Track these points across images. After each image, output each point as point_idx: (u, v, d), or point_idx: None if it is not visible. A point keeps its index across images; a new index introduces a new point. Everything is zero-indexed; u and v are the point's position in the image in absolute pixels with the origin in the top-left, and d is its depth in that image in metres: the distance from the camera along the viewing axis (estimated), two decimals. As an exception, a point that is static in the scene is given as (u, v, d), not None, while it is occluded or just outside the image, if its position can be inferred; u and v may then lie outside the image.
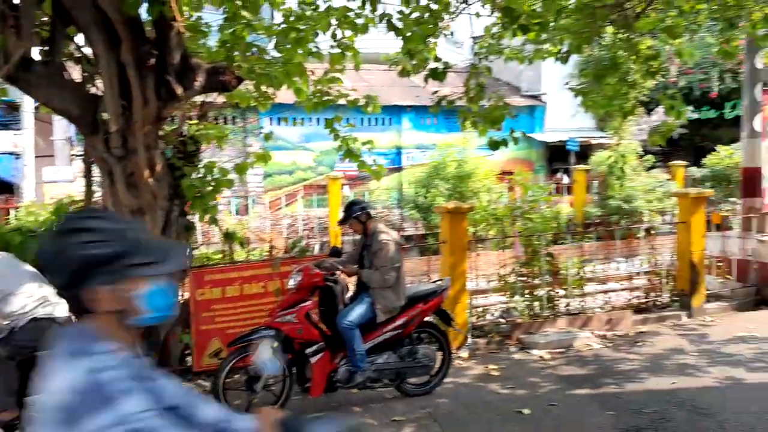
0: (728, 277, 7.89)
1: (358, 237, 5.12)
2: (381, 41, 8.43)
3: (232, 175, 5.70)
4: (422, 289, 5.09)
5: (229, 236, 5.93)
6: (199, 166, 5.56)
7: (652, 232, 8.04)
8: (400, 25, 5.53)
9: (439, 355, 5.09)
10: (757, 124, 7.83)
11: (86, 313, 1.39)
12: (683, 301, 7.40)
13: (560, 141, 19.32)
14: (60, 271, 1.36)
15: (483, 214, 8.29)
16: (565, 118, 18.84)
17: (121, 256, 1.36)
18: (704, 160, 16.26)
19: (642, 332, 6.76)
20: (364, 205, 4.98)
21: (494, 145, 5.37)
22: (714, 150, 15.98)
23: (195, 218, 5.59)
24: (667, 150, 22.35)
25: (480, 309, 6.90)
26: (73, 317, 1.63)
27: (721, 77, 21.08)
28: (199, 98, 5.81)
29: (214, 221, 5.47)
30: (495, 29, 6.72)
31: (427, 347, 4.98)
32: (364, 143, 6.38)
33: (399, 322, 4.80)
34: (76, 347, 1.33)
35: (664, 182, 14.85)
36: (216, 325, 5.40)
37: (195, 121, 5.87)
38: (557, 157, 20.31)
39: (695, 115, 21.65)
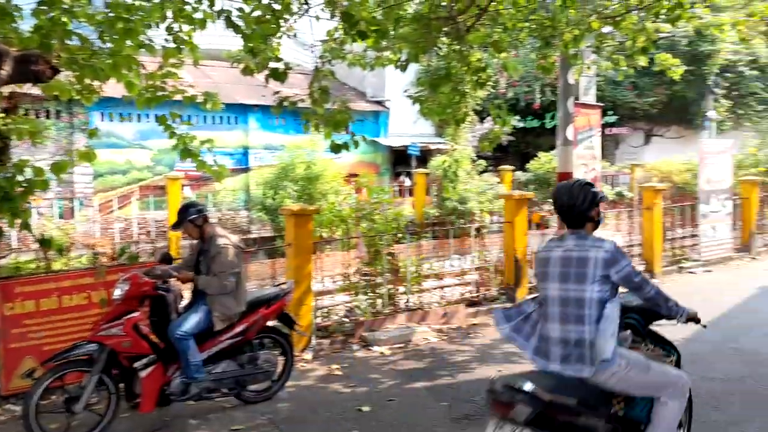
0: (547, 270, 8.76)
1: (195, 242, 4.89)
2: (226, 37, 8.15)
3: (50, 175, 5.13)
4: (264, 294, 4.99)
5: (44, 242, 5.34)
6: (8, 164, 4.94)
7: (483, 231, 8.68)
8: (240, 22, 5.37)
9: (281, 360, 5.03)
10: (570, 133, 8.79)
11: (585, 224, 3.02)
12: (509, 294, 8.09)
13: (403, 146, 20.15)
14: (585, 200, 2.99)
15: (329, 215, 8.36)
16: (408, 124, 19.70)
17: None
18: (528, 165, 17.91)
19: (474, 324, 7.26)
20: (200, 207, 4.76)
21: (336, 149, 5.45)
22: (536, 156, 17.66)
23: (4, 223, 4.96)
24: (498, 155, 24.32)
25: (325, 310, 6.95)
26: None
27: (542, 90, 23.43)
28: (6, 89, 5.16)
29: (26, 226, 4.89)
30: (338, 34, 6.82)
31: (268, 353, 4.89)
32: (203, 142, 6.10)
33: (239, 329, 4.66)
34: (592, 238, 2.98)
35: (494, 185, 16.14)
36: (29, 342, 4.84)
37: (1, 115, 5.20)
38: (401, 161, 21.16)
39: (521, 124, 23.78)
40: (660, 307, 3.11)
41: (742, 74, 25.15)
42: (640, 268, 9.84)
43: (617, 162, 23.77)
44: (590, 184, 3.10)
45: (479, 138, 15.92)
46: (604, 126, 24.55)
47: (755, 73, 25.51)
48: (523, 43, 7.38)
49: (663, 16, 6.18)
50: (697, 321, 3.22)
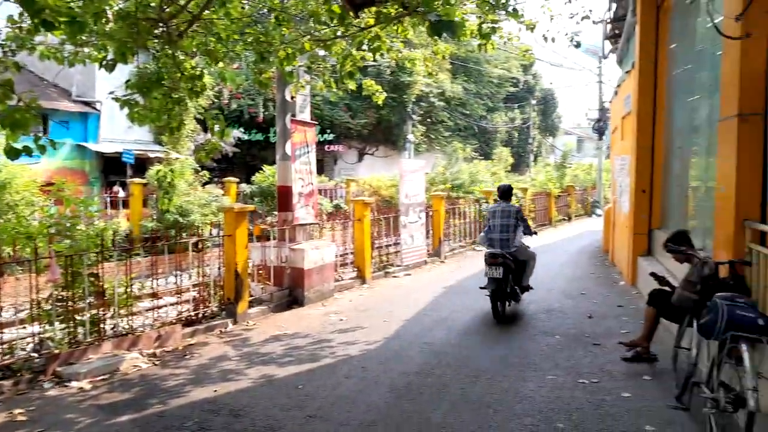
0: (267, 282, 8.85)
1: None
2: None
3: None
4: None
5: None
6: None
7: (203, 245, 8.35)
8: None
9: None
10: (288, 148, 9.06)
11: (509, 198, 8.89)
12: (229, 309, 7.94)
13: (116, 152, 18.40)
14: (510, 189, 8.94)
15: (11, 232, 7.07)
16: (122, 129, 18.06)
17: None
18: (254, 178, 17.99)
19: (191, 345, 6.92)
20: None
21: (13, 154, 4.61)
22: (261, 169, 17.84)
23: None
24: (224, 167, 23.98)
25: (5, 345, 5.85)
26: None
27: (265, 104, 23.83)
28: None
29: None
30: (28, 22, 5.85)
31: None
32: None
33: None
34: (511, 204, 8.78)
35: (218, 197, 15.78)
36: None
37: None
38: (114, 169, 19.28)
39: (245, 137, 23.87)
40: (528, 229, 8.15)
41: (433, 104, 29.31)
42: (353, 274, 10.63)
43: (335, 177, 25.47)
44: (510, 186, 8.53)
45: (194, 148, 15.40)
46: (324, 143, 26.17)
47: (442, 104, 29.97)
48: (240, 56, 7.35)
49: (366, 46, 6.78)
50: (536, 233, 8.56)
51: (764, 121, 4.51)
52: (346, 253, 11.21)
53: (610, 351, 6.27)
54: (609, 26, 14.79)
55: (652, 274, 5.71)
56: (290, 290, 9.02)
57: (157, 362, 6.27)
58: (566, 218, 23.00)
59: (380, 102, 8.96)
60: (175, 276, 8.57)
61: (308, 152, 9.27)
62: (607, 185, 20.31)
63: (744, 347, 3.58)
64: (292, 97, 9.08)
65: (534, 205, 19.78)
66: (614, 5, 13.17)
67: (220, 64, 7.07)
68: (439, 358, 6.15)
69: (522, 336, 6.99)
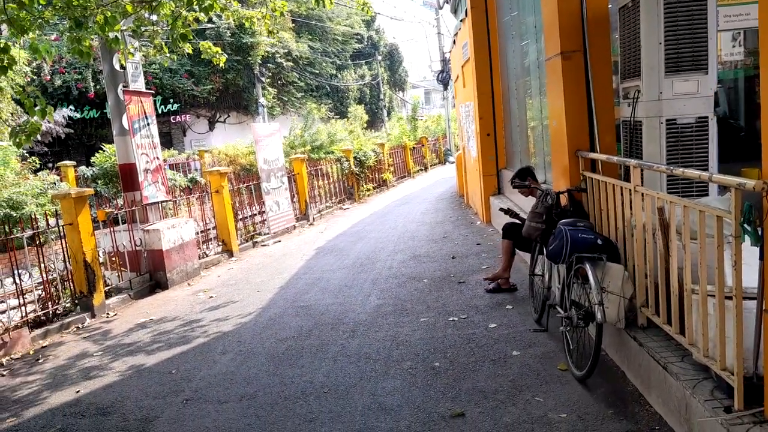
0: (123, 269, 8.23)
1: None
2: None
3: None
4: None
5: None
6: None
7: (43, 238, 7.52)
8: None
9: None
10: (125, 122, 8.33)
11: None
12: (84, 302, 7.31)
13: None
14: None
15: None
16: None
17: None
18: (94, 159, 16.46)
19: (44, 347, 6.30)
20: None
21: None
22: (101, 149, 16.35)
23: None
24: (58, 150, 21.67)
25: None
26: None
27: (96, 77, 21.70)
28: None
29: None
30: None
31: None
32: None
33: None
34: None
35: (55, 184, 14.25)
36: None
37: None
38: None
39: (78, 115, 21.67)
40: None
41: (281, 65, 28.57)
42: (218, 249, 10.23)
43: (187, 149, 24.10)
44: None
45: (10, 133, 13.67)
46: (169, 114, 24.55)
47: (291, 64, 29.31)
48: (51, 23, 6.54)
49: (197, 6, 6.34)
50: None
51: (584, 58, 4.90)
52: (209, 228, 10.73)
53: (474, 287, 6.67)
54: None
55: (502, 209, 6.10)
56: (151, 274, 8.48)
57: (4, 372, 5.62)
58: (423, 168, 23.88)
59: (222, 65, 8.52)
60: (14, 276, 7.67)
61: (149, 124, 8.61)
62: (456, 133, 21.31)
63: (588, 266, 3.95)
64: (122, 66, 8.30)
65: (392, 159, 20.25)
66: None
67: (30, 35, 6.26)
68: (315, 320, 6.15)
69: (393, 284, 7.20)
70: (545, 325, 5.14)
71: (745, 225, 2.60)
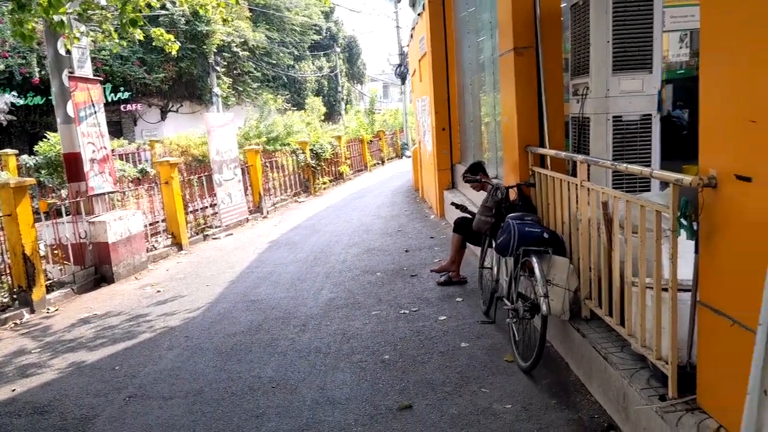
0: (66, 263, 7.92)
1: None
2: None
3: None
4: None
5: None
6: None
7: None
8: None
9: None
10: (70, 109, 8.01)
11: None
12: (23, 297, 7.01)
13: None
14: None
15: None
16: None
17: None
18: (37, 148, 15.79)
19: (-22, 345, 6.01)
20: None
21: None
22: (46, 137, 15.70)
23: None
24: (-2, 138, 20.71)
25: None
26: None
27: (41, 62, 20.81)
28: None
29: None
30: None
31: None
32: None
33: None
34: None
35: (-6, 173, 13.63)
36: None
37: None
38: None
39: (21, 101, 20.76)
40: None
41: (237, 54, 28.03)
42: (168, 242, 9.98)
43: (138, 139, 23.40)
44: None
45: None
46: (119, 102, 23.78)
47: (246, 53, 28.78)
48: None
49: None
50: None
51: (537, 54, 4.97)
52: (158, 221, 10.45)
53: (426, 280, 6.70)
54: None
55: (453, 204, 6.15)
56: (96, 267, 8.20)
57: (-66, 372, 5.34)
58: (380, 162, 23.89)
59: (175, 53, 8.29)
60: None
61: (96, 112, 8.30)
62: (413, 127, 21.38)
63: (534, 259, 4.02)
64: (68, 51, 7.96)
65: (349, 152, 20.16)
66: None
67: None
68: (266, 314, 6.07)
69: (346, 277, 7.17)
70: (493, 317, 5.20)
71: (682, 219, 2.68)
